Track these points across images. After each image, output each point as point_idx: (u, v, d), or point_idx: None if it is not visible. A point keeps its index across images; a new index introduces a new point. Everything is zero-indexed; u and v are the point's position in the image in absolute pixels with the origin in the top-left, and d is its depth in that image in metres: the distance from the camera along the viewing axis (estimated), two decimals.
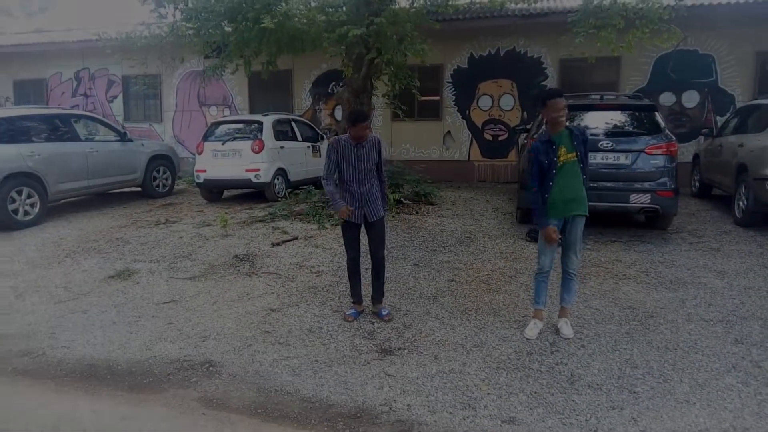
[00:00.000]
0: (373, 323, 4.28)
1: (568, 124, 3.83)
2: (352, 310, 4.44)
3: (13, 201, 7.46)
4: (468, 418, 2.94)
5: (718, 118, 10.48)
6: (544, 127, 3.95)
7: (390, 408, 3.06)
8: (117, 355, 3.85)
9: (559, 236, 3.83)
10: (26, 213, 7.63)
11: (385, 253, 4.41)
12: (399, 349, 3.82)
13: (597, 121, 6.59)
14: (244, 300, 4.87)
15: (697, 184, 9.36)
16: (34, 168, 7.66)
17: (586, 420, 2.92)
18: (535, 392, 3.19)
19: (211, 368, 3.61)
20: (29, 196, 7.67)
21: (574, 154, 3.76)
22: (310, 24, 6.88)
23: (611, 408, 3.02)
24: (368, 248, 4.38)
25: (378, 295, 4.42)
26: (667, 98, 10.86)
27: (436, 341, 3.92)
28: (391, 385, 3.31)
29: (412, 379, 3.38)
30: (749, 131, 7.35)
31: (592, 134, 6.46)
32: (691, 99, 10.76)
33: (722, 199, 8.36)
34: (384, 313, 4.35)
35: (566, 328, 3.96)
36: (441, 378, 3.39)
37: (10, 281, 5.59)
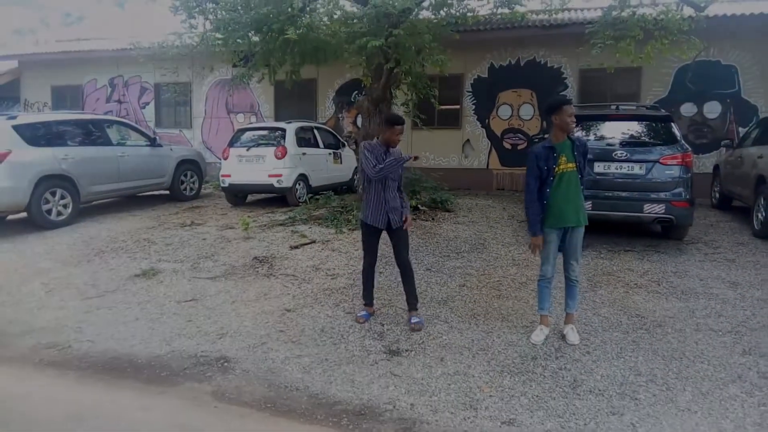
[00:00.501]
0: (382, 325, 4.41)
1: (571, 135, 3.91)
2: (363, 312, 4.56)
3: (47, 202, 7.81)
4: (469, 418, 3.04)
5: (740, 129, 10.36)
6: (547, 135, 4.06)
7: (394, 406, 3.18)
8: (138, 350, 4.06)
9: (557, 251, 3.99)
10: (59, 213, 7.98)
11: (409, 257, 4.43)
12: (406, 350, 3.94)
13: (612, 131, 6.63)
14: (261, 300, 5.05)
15: (717, 195, 9.27)
16: (67, 170, 8.02)
17: (585, 424, 2.99)
18: (537, 396, 3.27)
19: (225, 364, 3.78)
20: (62, 197, 8.01)
21: (574, 164, 3.83)
22: (332, 35, 7.10)
23: (611, 413, 3.09)
24: (393, 254, 4.47)
25: (412, 300, 4.43)
26: (688, 109, 10.78)
27: (443, 344, 4.03)
28: (396, 385, 3.43)
29: (417, 380, 3.49)
30: None
31: (608, 144, 6.55)
32: (712, 110, 10.66)
33: (742, 211, 8.27)
34: (413, 321, 4.32)
35: (572, 335, 4.02)
36: (445, 379, 3.50)
37: (42, 278, 5.88)
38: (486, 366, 3.67)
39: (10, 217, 8.37)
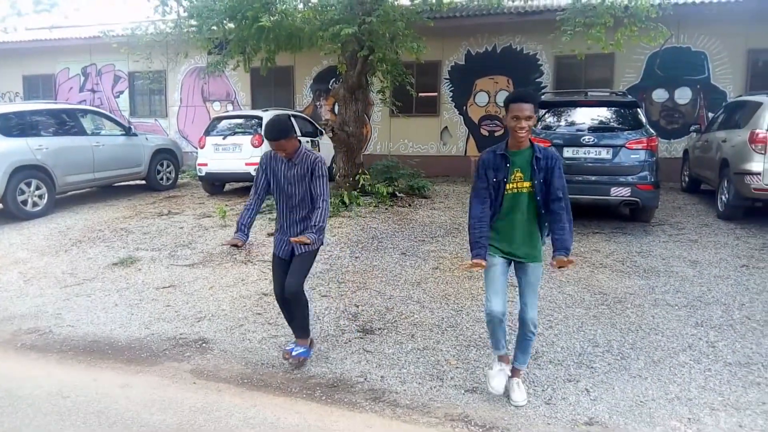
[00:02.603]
0: (357, 306, 4.56)
1: (535, 142, 3.02)
2: (291, 346, 3.56)
3: (23, 192, 7.78)
4: (435, 387, 3.22)
5: (710, 114, 10.65)
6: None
7: (365, 379, 3.35)
8: (118, 333, 4.15)
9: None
10: (35, 204, 7.96)
11: (305, 286, 3.48)
12: (379, 329, 4.10)
13: (581, 117, 6.84)
14: (238, 285, 5.16)
15: (687, 179, 9.56)
16: (42, 161, 7.98)
17: (542, 390, 3.19)
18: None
19: (204, 345, 3.91)
20: (38, 188, 7.99)
21: (530, 184, 2.91)
22: (305, 22, 7.15)
23: (568, 381, 3.29)
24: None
25: (297, 331, 3.58)
26: (660, 95, 11.04)
27: (414, 322, 4.20)
28: (369, 360, 3.60)
29: (388, 355, 3.66)
30: (733, 127, 7.55)
31: (577, 130, 6.75)
32: (683, 95, 10.94)
33: (710, 194, 8.56)
34: (289, 349, 3.52)
35: (518, 392, 3.08)
36: (415, 354, 3.67)
37: (19, 268, 5.91)
38: (454, 341, 3.85)
39: None
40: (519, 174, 2.93)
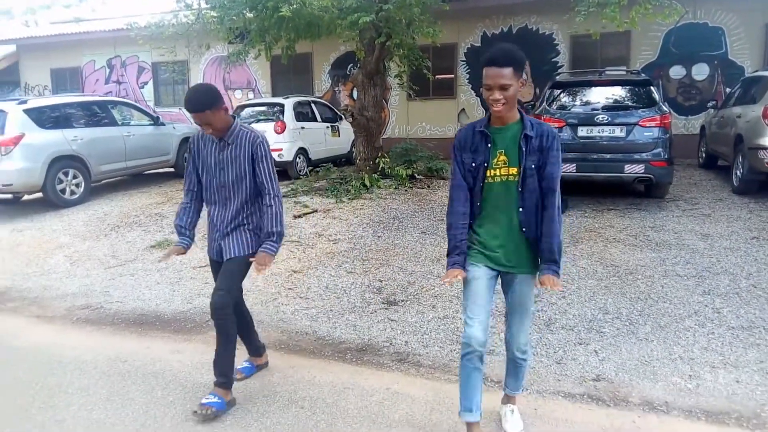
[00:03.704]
0: (381, 281, 4.86)
1: (524, 115, 2.35)
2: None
3: (61, 181, 8.22)
4: (454, 350, 3.52)
5: (727, 90, 10.64)
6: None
7: (390, 343, 3.66)
8: (163, 308, 4.53)
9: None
10: (72, 192, 8.40)
11: (228, 299, 2.93)
12: (402, 301, 4.41)
13: (596, 96, 7.00)
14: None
15: (704, 155, 9.63)
16: (78, 151, 8.40)
17: (554, 352, 3.46)
18: None
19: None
20: (74, 177, 8.42)
21: (516, 169, 2.30)
22: (324, 11, 7.38)
23: (578, 344, 3.56)
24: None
25: (251, 347, 3.34)
26: (677, 71, 11.05)
27: (435, 295, 4.49)
28: (393, 328, 3.91)
29: (411, 323, 3.97)
30: (748, 103, 7.61)
31: (592, 108, 6.91)
32: (701, 71, 10.93)
33: (726, 170, 8.64)
34: (241, 368, 3.23)
35: (511, 422, 2.65)
36: (436, 322, 3.97)
37: (64, 251, 6.34)
38: None
39: (25, 197, 8.81)
40: (503, 157, 2.30)
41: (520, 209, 2.33)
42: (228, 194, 2.88)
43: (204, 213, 3.15)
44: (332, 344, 3.70)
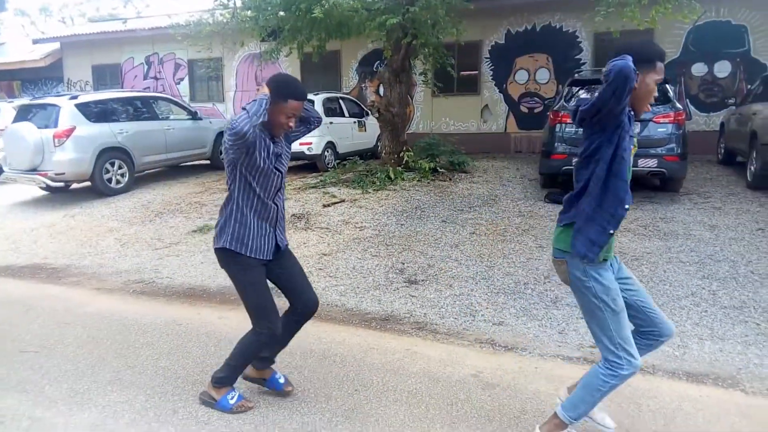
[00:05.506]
0: (403, 263, 5.30)
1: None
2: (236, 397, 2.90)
3: (108, 171, 8.89)
4: (468, 321, 3.95)
5: (749, 87, 10.75)
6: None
7: (411, 315, 4.11)
8: (208, 283, 5.06)
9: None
10: (118, 181, 9.06)
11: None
12: (422, 280, 4.84)
13: None
14: (301, 248, 6.00)
15: (723, 151, 9.79)
16: (123, 143, 9.05)
17: (558, 325, 3.86)
18: (524, 308, 4.15)
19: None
20: (120, 167, 9.08)
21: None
22: (354, 11, 7.83)
23: (580, 318, 3.92)
24: (289, 293, 3.01)
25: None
26: (699, 69, 11.18)
27: (452, 276, 4.91)
28: (413, 302, 4.35)
29: (430, 299, 4.40)
30: (766, 100, 7.80)
31: None
32: (723, 69, 11.04)
33: (743, 166, 8.81)
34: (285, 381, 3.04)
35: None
36: (452, 299, 4.40)
37: (114, 235, 6.95)
38: (485, 290, 4.55)
39: (74, 186, 9.50)
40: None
41: None
42: (281, 186, 2.79)
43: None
44: (359, 314, 4.16)
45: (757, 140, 7.34)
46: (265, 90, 2.54)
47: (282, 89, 2.56)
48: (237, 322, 4.05)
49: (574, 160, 2.55)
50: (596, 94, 2.13)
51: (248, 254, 2.70)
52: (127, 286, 5.10)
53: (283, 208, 2.87)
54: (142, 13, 14.76)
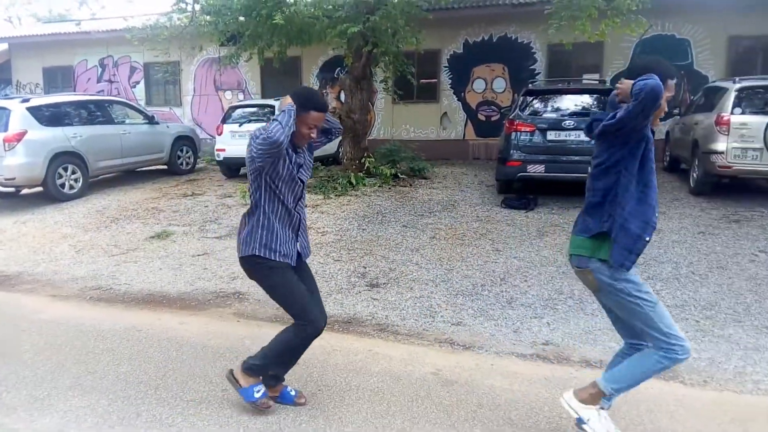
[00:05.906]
0: (365, 268, 5.39)
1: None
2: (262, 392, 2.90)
3: (61, 176, 8.65)
4: (428, 322, 4.07)
5: (692, 98, 11.37)
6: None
7: (372, 317, 4.20)
8: (168, 289, 5.02)
9: None
10: (71, 187, 8.83)
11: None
12: (384, 284, 4.95)
13: (564, 104, 7.62)
14: None
15: (668, 158, 10.32)
16: (76, 147, 8.83)
17: (513, 324, 4.03)
18: (481, 308, 4.30)
19: (241, 296, 4.76)
20: (73, 172, 8.85)
21: None
22: (315, 19, 7.91)
23: (534, 317, 4.13)
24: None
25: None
26: None
27: (413, 279, 5.04)
28: (375, 305, 4.45)
29: (391, 302, 4.51)
30: (706, 111, 8.29)
31: (560, 115, 7.53)
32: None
33: (686, 173, 9.32)
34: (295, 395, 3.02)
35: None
36: (413, 301, 4.52)
37: (69, 241, 6.78)
38: (445, 292, 4.69)
39: (24, 191, 9.19)
40: None
41: None
42: (302, 193, 2.86)
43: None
44: None
45: (699, 149, 7.80)
46: (289, 100, 2.65)
47: (304, 101, 2.65)
48: (198, 327, 4.06)
49: (587, 167, 2.65)
50: (621, 110, 2.23)
51: (277, 259, 2.75)
52: (83, 292, 5.00)
53: (305, 216, 2.95)
54: (97, 15, 14.41)
